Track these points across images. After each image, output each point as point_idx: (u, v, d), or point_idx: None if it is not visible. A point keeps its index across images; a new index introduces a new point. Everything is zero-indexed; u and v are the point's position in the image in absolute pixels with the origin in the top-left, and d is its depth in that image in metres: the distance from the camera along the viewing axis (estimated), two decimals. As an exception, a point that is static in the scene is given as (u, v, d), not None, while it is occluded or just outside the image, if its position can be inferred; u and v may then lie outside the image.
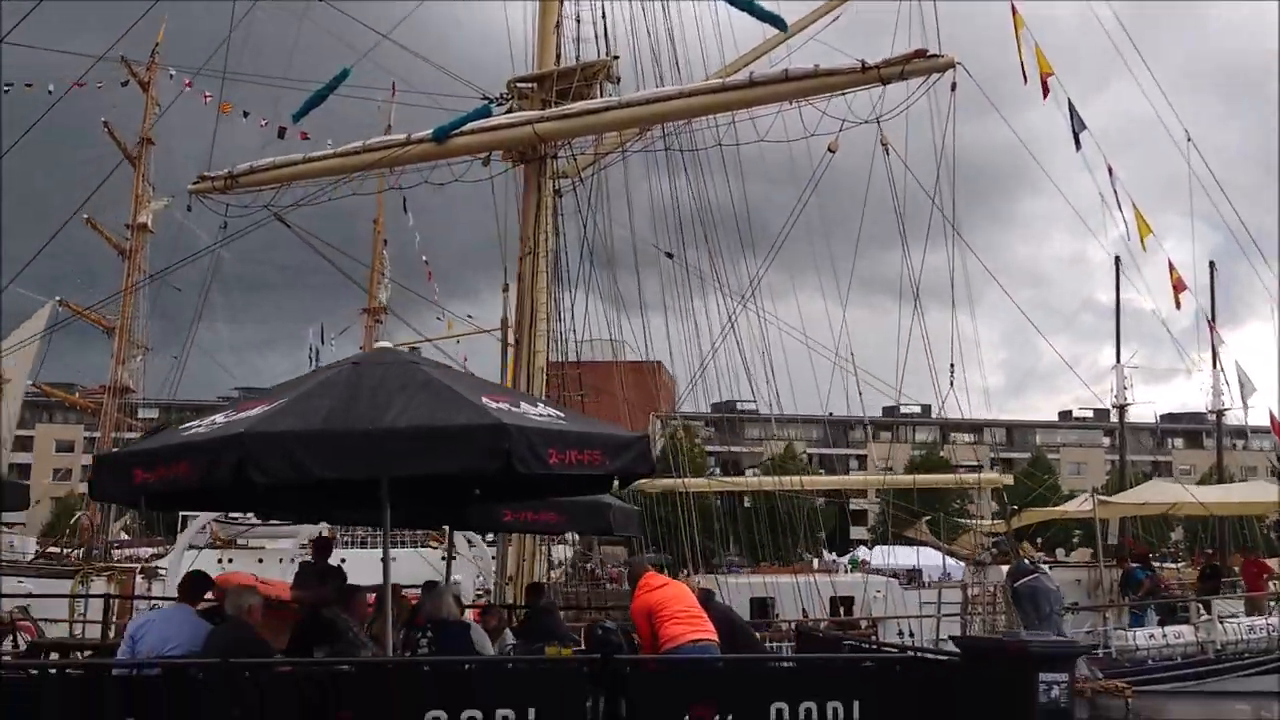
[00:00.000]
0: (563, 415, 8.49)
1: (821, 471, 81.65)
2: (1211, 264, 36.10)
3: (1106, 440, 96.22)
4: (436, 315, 62.35)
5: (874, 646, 11.54)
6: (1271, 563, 23.75)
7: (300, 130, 27.70)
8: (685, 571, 27.58)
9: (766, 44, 22.68)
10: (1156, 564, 33.01)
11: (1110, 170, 23.58)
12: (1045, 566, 23.94)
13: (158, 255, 56.79)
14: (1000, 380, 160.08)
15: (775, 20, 20.74)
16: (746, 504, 47.95)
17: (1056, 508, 27.10)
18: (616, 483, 9.91)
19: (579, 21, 22.38)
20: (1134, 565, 22.09)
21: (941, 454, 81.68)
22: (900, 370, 19.66)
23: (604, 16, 22.31)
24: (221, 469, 7.22)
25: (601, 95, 22.15)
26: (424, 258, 61.96)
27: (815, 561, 30.21)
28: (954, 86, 18.71)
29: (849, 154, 20.33)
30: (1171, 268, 23.52)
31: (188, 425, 8.32)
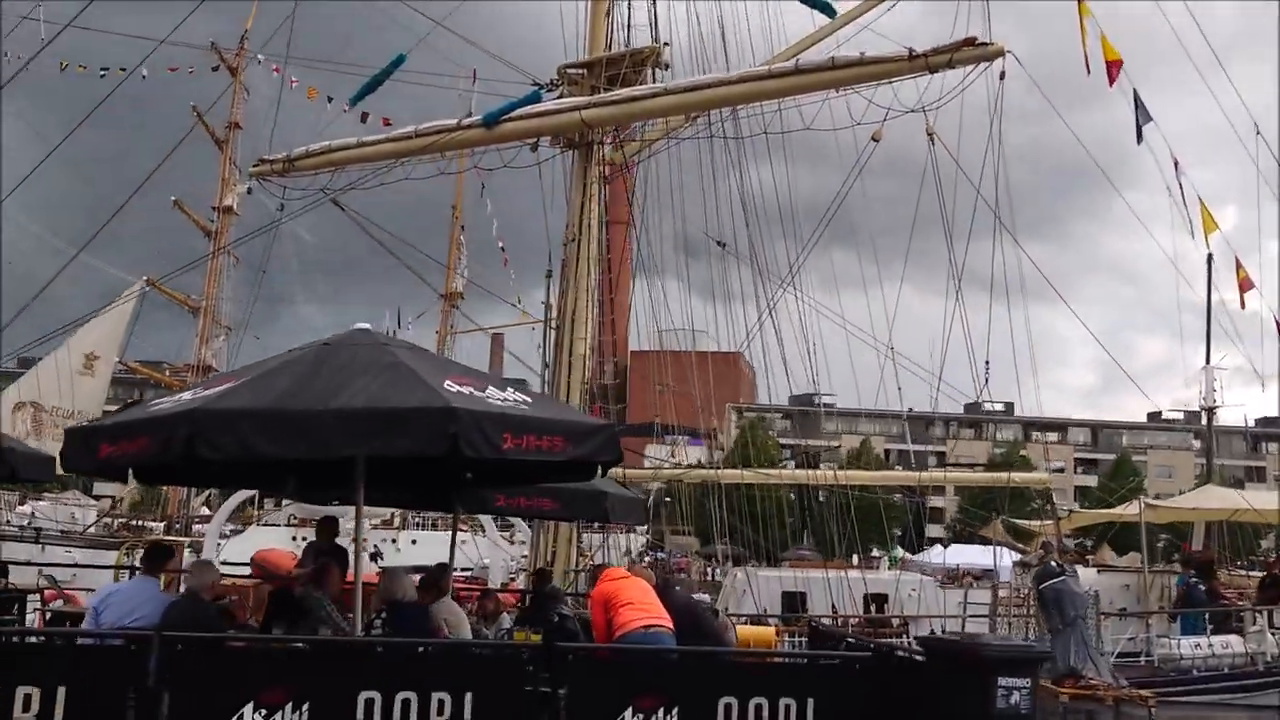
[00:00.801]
0: (529, 401, 8.44)
1: (898, 468, 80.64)
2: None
3: (1198, 443, 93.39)
4: (511, 301, 62.92)
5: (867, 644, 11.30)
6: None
7: (383, 116, 27.99)
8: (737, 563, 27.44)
9: (820, 32, 22.35)
10: (1242, 572, 31.83)
11: (1176, 164, 22.95)
12: (1093, 569, 23.36)
13: (243, 237, 58.31)
14: (1093, 379, 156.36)
15: (823, 7, 20.48)
16: (821, 498, 47.62)
17: (1106, 510, 26.25)
18: (601, 471, 9.80)
19: (630, 8, 22.26)
20: (1187, 573, 21.39)
21: (1023, 453, 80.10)
22: (940, 363, 19.36)
23: (654, 3, 22.14)
24: (175, 445, 7.31)
25: (652, 82, 22.08)
26: (500, 244, 62.52)
27: (855, 557, 29.84)
28: (1003, 75, 18.24)
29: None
30: (1239, 265, 22.76)
31: (158, 399, 8.45)
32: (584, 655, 8.14)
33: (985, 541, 50.41)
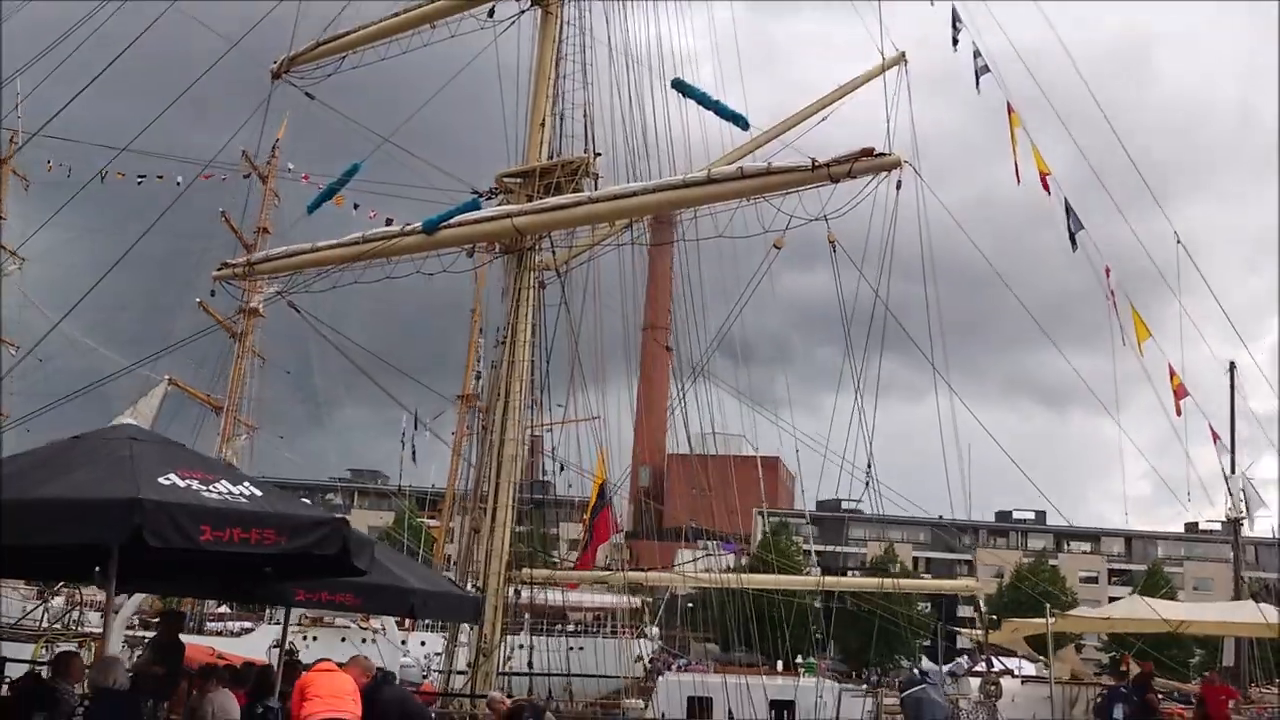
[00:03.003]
0: (256, 496, 8.75)
1: (927, 576, 79.49)
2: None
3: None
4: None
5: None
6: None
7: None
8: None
9: (752, 143, 23.00)
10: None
11: (1107, 271, 23.07)
12: (1018, 679, 22.84)
13: (268, 339, 59.73)
14: (1145, 489, 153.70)
15: (737, 120, 21.12)
16: (849, 606, 47.01)
17: (1021, 620, 25.52)
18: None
19: (561, 119, 23.00)
20: (1118, 685, 20.75)
21: (1052, 563, 78.42)
22: (840, 468, 19.43)
23: (585, 115, 22.87)
24: None
25: (590, 191, 22.72)
26: (532, 359, 63.35)
27: (780, 664, 29.43)
28: (899, 185, 18.69)
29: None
30: (1172, 373, 22.67)
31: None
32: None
33: (1005, 652, 49.35)
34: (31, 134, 27.19)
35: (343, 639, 46.03)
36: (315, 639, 46.91)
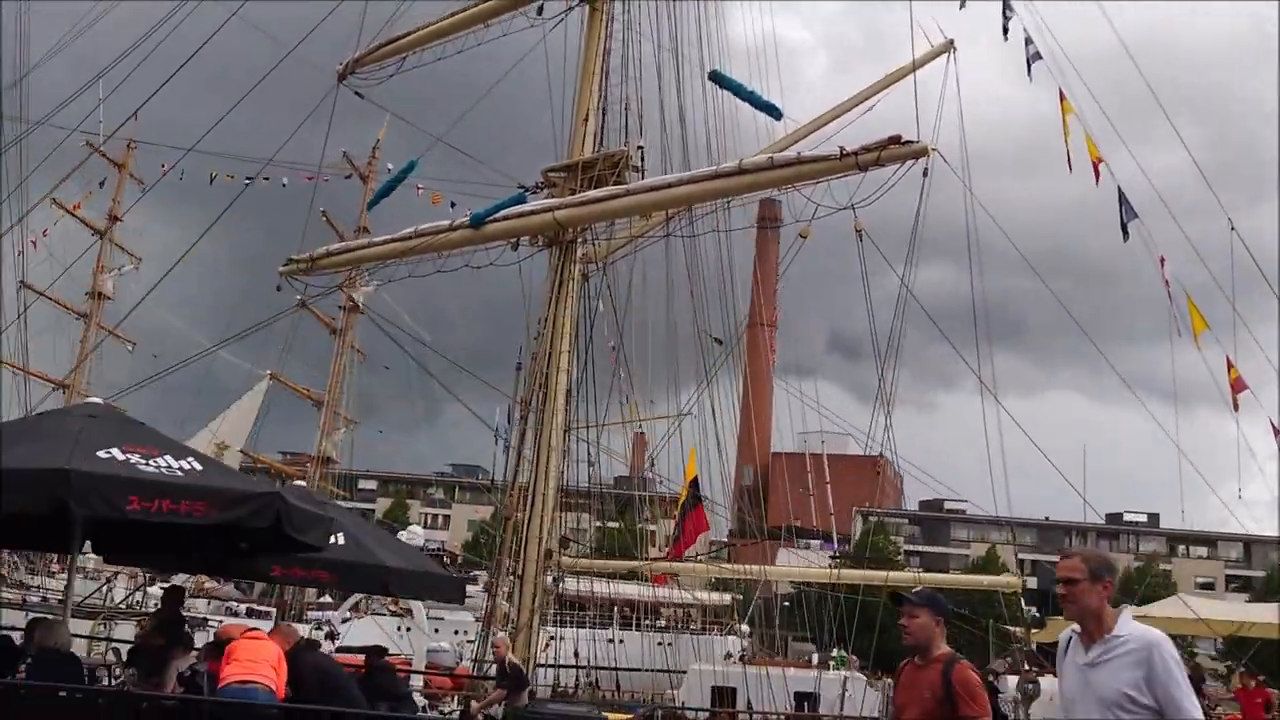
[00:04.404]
0: (197, 470, 9.15)
1: (1029, 579, 77.44)
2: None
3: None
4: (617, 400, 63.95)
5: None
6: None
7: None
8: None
9: (790, 136, 22.95)
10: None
11: (1162, 261, 22.36)
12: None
13: (367, 334, 61.30)
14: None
15: (770, 110, 21.09)
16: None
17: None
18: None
19: (604, 113, 23.23)
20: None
21: (1165, 566, 75.77)
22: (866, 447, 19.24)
23: (626, 109, 23.07)
24: None
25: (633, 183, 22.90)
26: (611, 344, 63.83)
27: (816, 656, 29.14)
28: (926, 172, 18.46)
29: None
30: (1230, 365, 21.85)
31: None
32: (157, 704, 8.74)
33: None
34: (110, 134, 28.43)
35: (408, 628, 47.17)
36: (409, 629, 48.08)
